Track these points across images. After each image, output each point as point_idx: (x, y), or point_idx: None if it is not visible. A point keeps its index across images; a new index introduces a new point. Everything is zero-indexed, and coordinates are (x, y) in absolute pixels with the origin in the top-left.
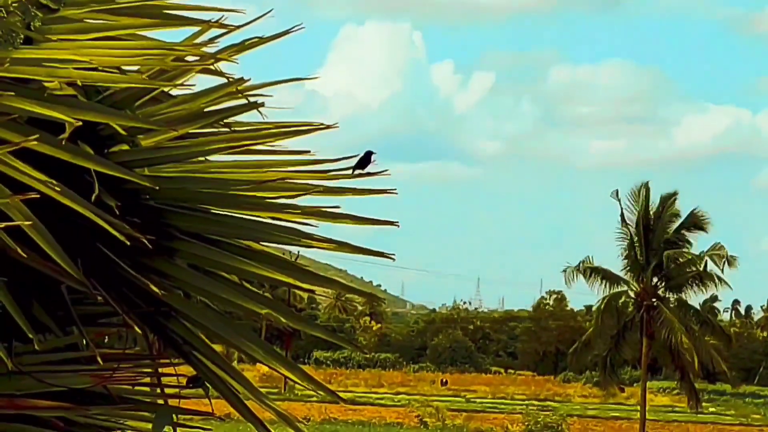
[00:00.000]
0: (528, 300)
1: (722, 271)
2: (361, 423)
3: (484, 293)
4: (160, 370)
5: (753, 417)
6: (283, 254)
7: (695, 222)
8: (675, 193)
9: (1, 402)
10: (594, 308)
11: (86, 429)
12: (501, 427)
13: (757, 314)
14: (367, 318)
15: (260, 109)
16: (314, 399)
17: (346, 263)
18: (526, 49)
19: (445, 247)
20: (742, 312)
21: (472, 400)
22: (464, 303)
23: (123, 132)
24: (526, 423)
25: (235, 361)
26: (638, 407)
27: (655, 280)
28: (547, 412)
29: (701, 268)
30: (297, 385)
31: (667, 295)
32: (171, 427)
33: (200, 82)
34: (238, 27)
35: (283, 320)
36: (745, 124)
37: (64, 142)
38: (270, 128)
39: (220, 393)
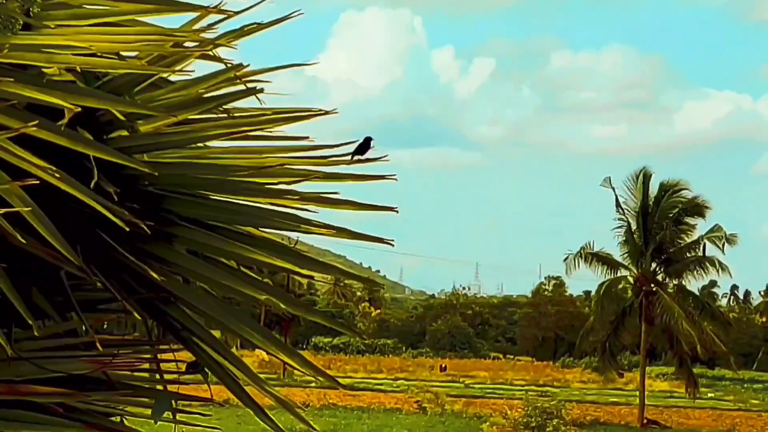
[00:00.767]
0: (527, 285)
1: (722, 251)
2: (360, 408)
3: (483, 279)
4: (159, 356)
5: (752, 402)
6: (282, 240)
7: (695, 208)
8: (677, 183)
9: (0, 388)
10: (593, 294)
11: (85, 415)
12: (500, 412)
13: (756, 300)
14: (366, 304)
15: (261, 94)
16: (313, 385)
17: (345, 249)
18: (526, 36)
19: (444, 233)
20: (741, 298)
21: (471, 385)
22: (463, 288)
23: (122, 118)
24: (526, 408)
25: (235, 347)
26: (637, 393)
27: (654, 265)
28: (546, 398)
29: (700, 253)
30: (296, 371)
31: (666, 281)
32: (170, 413)
33: (199, 67)
34: (237, 12)
35: (283, 306)
36: (746, 110)
37: (63, 128)
38: (269, 114)
39: (220, 379)
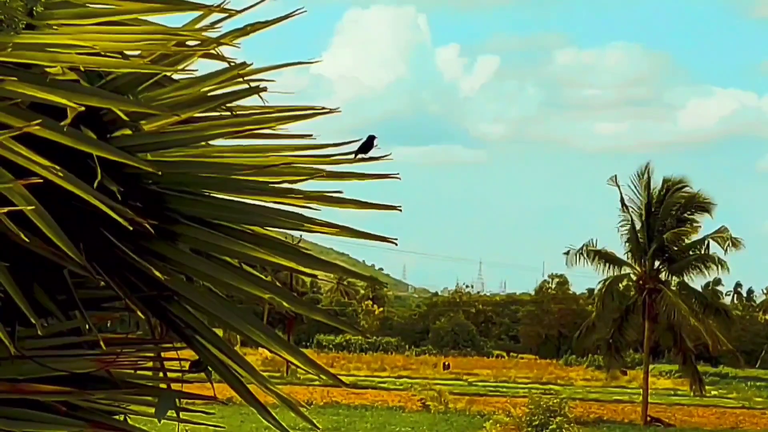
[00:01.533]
0: (530, 283)
1: (725, 252)
2: (363, 406)
3: (487, 277)
4: (162, 354)
5: (755, 400)
6: (286, 238)
7: (699, 205)
8: (680, 180)
9: (3, 386)
10: (596, 291)
11: (89, 413)
12: (503, 410)
13: (759, 297)
14: (369, 302)
15: (264, 93)
16: (316, 383)
17: (348, 247)
18: (531, 33)
19: (447, 231)
20: (744, 295)
21: (475, 383)
22: (466, 286)
23: (125, 117)
24: (529, 407)
25: (238, 346)
26: (640, 390)
27: (657, 263)
28: (549, 396)
29: (703, 251)
30: (299, 369)
31: (669, 279)
32: (174, 411)
33: (202, 66)
34: (241, 11)
35: (286, 304)
36: (751, 107)
37: (66, 128)
38: (273, 112)
39: (223, 377)
